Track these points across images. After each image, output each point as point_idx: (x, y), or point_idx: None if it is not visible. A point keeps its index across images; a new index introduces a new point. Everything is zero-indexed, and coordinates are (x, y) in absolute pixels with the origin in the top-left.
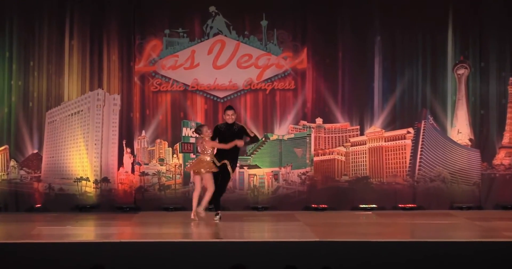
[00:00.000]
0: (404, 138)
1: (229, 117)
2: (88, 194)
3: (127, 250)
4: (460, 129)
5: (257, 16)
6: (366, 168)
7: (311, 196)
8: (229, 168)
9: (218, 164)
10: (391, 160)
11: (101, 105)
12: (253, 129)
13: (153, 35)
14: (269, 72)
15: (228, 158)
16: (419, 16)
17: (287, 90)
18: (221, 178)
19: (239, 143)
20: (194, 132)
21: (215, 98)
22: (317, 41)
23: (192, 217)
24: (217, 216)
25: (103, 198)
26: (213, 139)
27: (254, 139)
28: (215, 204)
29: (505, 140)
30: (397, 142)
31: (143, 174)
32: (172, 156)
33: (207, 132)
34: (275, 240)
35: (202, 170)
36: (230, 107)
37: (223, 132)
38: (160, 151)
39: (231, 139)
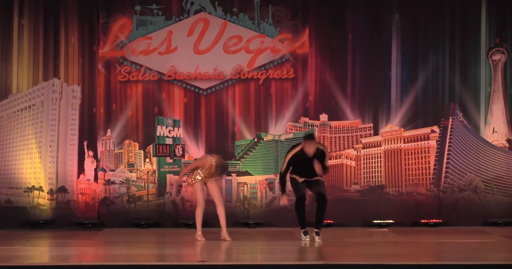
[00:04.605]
0: (428, 139)
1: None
2: (41, 207)
3: None
4: (496, 128)
5: None
6: (381, 175)
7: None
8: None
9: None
10: (412, 165)
11: (57, 98)
12: (243, 128)
13: (121, 12)
14: (262, 58)
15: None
16: None
17: (284, 80)
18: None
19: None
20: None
21: (196, 90)
22: (321, 20)
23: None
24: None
25: (59, 212)
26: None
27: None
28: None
29: None
30: (419, 143)
31: (109, 182)
32: (144, 160)
33: None
34: (270, 263)
35: None
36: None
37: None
38: (130, 154)
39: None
